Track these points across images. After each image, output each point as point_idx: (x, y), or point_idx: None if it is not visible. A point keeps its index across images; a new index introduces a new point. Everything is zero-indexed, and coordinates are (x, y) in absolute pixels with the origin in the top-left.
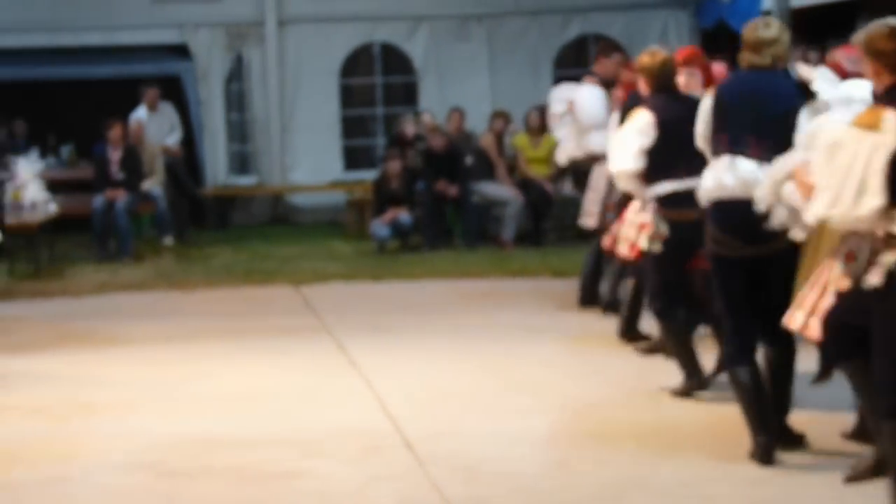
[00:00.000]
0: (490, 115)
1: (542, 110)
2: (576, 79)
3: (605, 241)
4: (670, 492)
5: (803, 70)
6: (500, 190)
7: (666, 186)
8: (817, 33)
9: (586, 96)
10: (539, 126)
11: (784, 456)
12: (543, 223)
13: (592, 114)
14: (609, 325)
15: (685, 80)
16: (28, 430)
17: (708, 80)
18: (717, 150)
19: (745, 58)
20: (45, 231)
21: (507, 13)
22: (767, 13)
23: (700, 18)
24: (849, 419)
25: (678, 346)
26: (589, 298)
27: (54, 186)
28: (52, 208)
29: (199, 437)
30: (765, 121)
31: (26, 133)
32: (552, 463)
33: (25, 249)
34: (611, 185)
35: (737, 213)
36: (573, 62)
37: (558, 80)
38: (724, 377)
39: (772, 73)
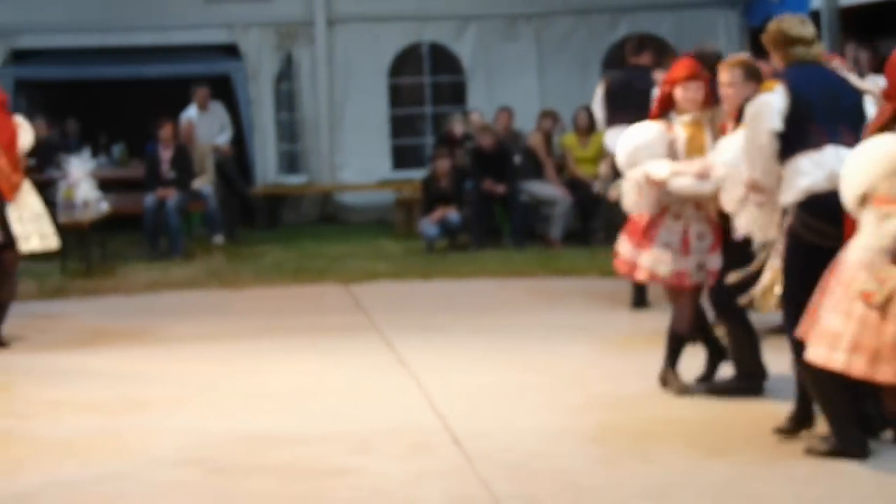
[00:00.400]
0: (538, 115)
1: (590, 110)
2: None
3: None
4: (717, 490)
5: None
6: (548, 189)
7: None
8: (867, 32)
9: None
10: (587, 125)
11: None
12: (592, 222)
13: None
14: (658, 324)
15: (689, 95)
16: (80, 425)
17: (707, 95)
18: (812, 143)
19: (797, 53)
20: (96, 229)
21: (556, 13)
22: (816, 13)
23: (749, 17)
24: None
25: (742, 344)
26: (641, 300)
27: (106, 185)
28: (104, 207)
29: (249, 434)
30: (845, 110)
31: (78, 132)
32: (599, 460)
33: (77, 248)
34: None
35: (838, 203)
36: (621, 62)
37: None
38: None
39: (826, 66)
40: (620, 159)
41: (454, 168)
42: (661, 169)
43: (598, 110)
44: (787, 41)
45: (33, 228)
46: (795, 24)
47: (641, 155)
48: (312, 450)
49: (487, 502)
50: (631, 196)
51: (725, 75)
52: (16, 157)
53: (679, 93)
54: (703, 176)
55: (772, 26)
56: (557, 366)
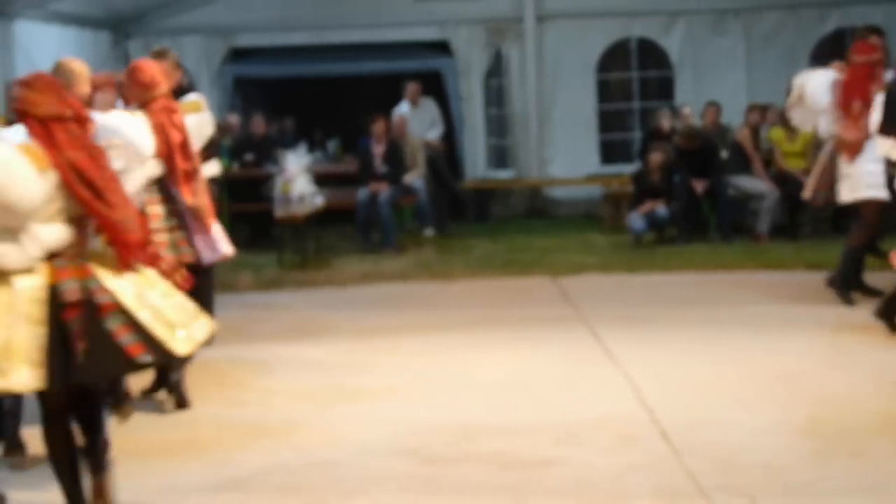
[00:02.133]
0: (746, 109)
1: None
2: None
3: None
4: None
5: None
6: (755, 183)
7: None
8: None
9: (817, 81)
10: None
11: None
12: (799, 216)
13: (816, 99)
14: (866, 318)
15: None
16: (296, 414)
17: None
18: None
19: None
20: (311, 223)
21: (764, 7)
22: None
23: None
24: None
25: None
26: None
27: (321, 180)
28: (319, 201)
29: (459, 424)
30: None
31: (294, 128)
32: (809, 454)
33: (293, 240)
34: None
35: None
36: (830, 56)
37: None
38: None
39: None
40: None
41: (664, 162)
42: None
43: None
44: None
45: None
46: None
47: None
48: (520, 440)
49: (694, 495)
50: None
51: None
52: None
53: None
54: None
55: None
56: (765, 359)
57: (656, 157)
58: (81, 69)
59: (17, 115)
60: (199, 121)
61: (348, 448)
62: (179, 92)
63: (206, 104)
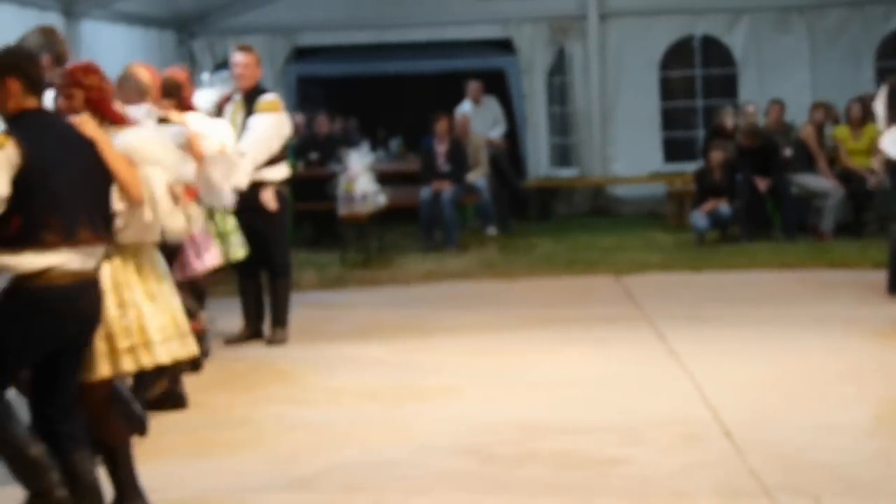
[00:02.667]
0: (810, 107)
1: (863, 102)
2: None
3: None
4: None
5: None
6: (820, 181)
7: None
8: None
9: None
10: (860, 118)
11: None
12: (864, 214)
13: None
14: None
15: None
16: (360, 413)
17: None
18: None
19: None
20: (374, 221)
21: (828, 5)
22: None
23: None
24: None
25: None
26: None
27: (384, 178)
28: (382, 200)
29: (522, 423)
30: None
31: (357, 127)
32: (873, 453)
33: (356, 239)
34: None
35: None
36: (895, 54)
37: (879, 71)
38: None
39: None
40: None
41: (726, 160)
42: None
43: (881, 108)
44: None
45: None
46: None
47: None
48: (583, 439)
49: (758, 494)
50: None
51: None
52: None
53: None
54: None
55: None
56: (829, 358)
57: (717, 156)
58: (149, 79)
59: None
60: (277, 121)
61: (411, 447)
62: (256, 91)
63: (282, 104)
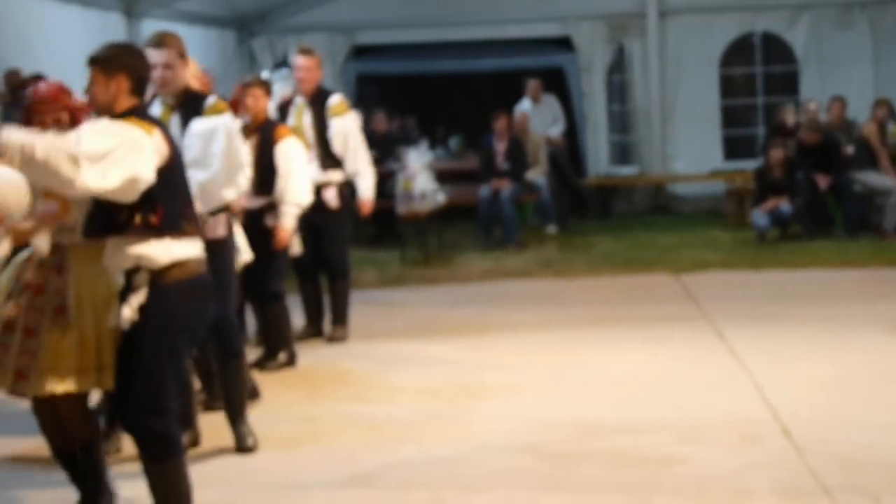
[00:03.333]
0: (872, 104)
1: None
2: None
3: None
4: None
5: None
6: (882, 179)
7: None
8: None
9: None
10: None
11: None
12: None
13: None
14: None
15: None
16: (417, 410)
17: None
18: None
19: None
20: (433, 220)
21: (891, 0)
22: None
23: None
24: None
25: None
26: None
27: (442, 176)
28: (441, 198)
29: (580, 421)
30: None
31: (416, 125)
32: None
33: (416, 237)
34: None
35: None
36: None
37: None
38: None
39: None
40: None
41: (787, 158)
42: None
43: None
44: None
45: None
46: None
47: None
48: (641, 438)
49: (817, 494)
50: None
51: None
52: None
53: None
54: None
55: None
56: (890, 357)
57: (776, 154)
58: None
59: None
60: (351, 122)
61: (470, 444)
62: (319, 93)
63: (349, 103)
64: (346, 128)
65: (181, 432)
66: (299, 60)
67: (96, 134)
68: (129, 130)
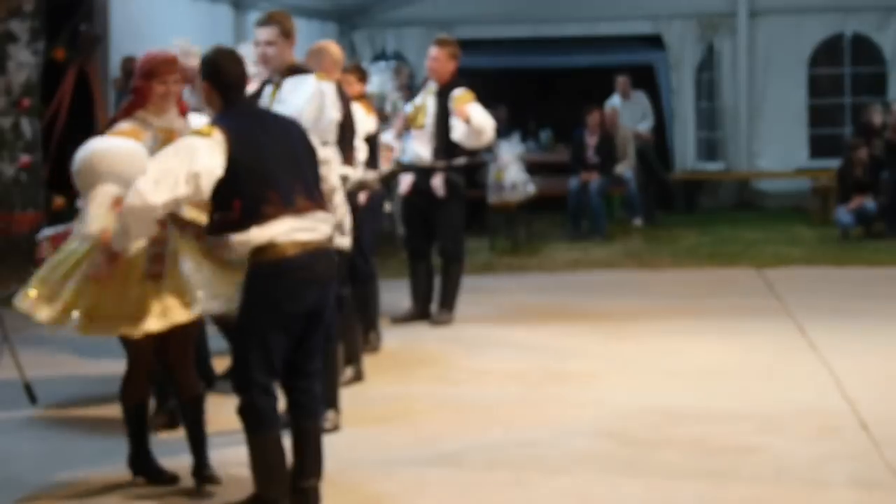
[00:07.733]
0: None
1: None
2: None
3: None
4: None
5: None
6: None
7: None
8: None
9: None
10: None
11: None
12: None
13: None
14: None
15: None
16: (504, 393)
17: None
18: None
19: None
20: (523, 210)
21: None
22: None
23: None
24: None
25: None
26: None
27: (533, 168)
28: (531, 189)
29: (660, 409)
30: None
31: (508, 118)
32: None
33: (505, 227)
34: None
35: None
36: None
37: None
38: None
39: None
40: None
41: (871, 157)
42: None
43: None
44: None
45: None
46: None
47: None
48: (720, 427)
49: (894, 487)
50: None
51: None
52: None
53: None
54: None
55: None
56: None
57: (860, 153)
58: (337, 52)
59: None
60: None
61: (553, 428)
62: (450, 83)
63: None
64: (478, 111)
65: (275, 406)
66: (432, 51)
67: (151, 167)
68: (180, 142)
